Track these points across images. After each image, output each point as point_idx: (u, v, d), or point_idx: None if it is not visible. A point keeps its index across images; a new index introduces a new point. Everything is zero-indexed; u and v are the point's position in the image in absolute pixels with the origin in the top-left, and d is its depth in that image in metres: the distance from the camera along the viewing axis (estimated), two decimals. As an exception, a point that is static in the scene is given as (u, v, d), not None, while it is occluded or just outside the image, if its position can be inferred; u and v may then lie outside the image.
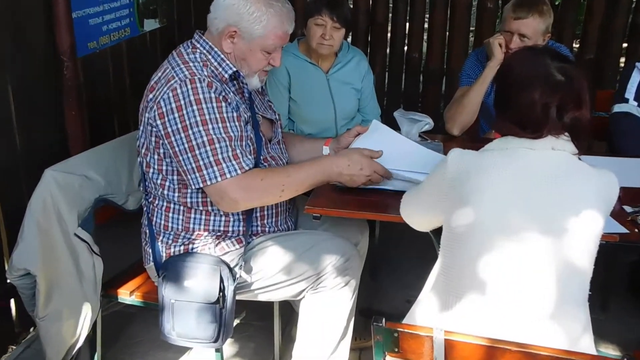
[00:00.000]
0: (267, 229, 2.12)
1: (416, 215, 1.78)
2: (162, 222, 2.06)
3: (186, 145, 1.87)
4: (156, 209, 2.08)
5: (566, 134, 1.55)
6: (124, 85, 3.37)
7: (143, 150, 2.03)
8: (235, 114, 1.94)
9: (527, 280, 1.48)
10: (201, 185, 1.89)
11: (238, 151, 1.90)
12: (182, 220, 2.04)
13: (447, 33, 4.53)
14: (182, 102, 1.87)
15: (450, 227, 1.58)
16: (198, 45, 2.03)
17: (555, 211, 1.48)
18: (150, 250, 2.10)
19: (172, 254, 2.05)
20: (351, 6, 4.48)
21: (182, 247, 2.05)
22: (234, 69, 2.02)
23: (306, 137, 2.52)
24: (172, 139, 1.89)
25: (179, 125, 1.87)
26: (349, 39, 4.60)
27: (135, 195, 2.35)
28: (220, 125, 1.89)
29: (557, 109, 1.52)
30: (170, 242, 2.06)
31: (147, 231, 2.10)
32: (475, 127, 3.00)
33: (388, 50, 4.69)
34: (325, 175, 2.00)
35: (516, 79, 1.56)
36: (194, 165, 1.88)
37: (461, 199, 1.53)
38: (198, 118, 1.87)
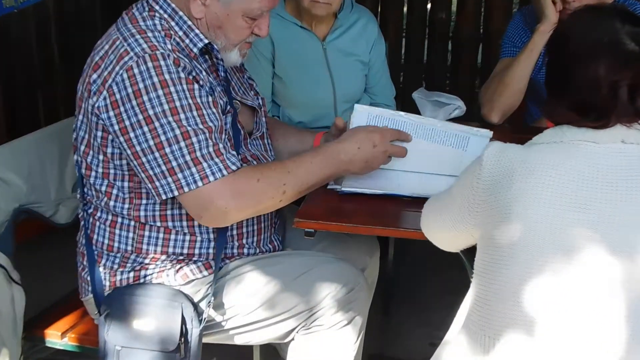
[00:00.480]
0: (245, 251, 2.14)
1: (442, 231, 1.79)
2: (106, 241, 2.08)
3: (151, 143, 1.87)
4: (98, 224, 2.09)
5: (641, 121, 1.58)
6: (52, 57, 3.39)
7: (82, 148, 2.04)
8: (210, 99, 1.95)
9: (589, 314, 1.50)
10: (175, 193, 1.89)
11: (221, 146, 1.91)
12: (133, 239, 2.06)
13: (485, -15, 4.56)
14: (142, 84, 1.87)
15: (487, 246, 1.60)
16: (157, 8, 2.03)
17: (628, 224, 1.50)
18: (88, 278, 2.11)
19: (117, 284, 2.07)
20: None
21: (131, 274, 2.06)
22: (206, 41, 2.03)
23: (292, 128, 2.53)
24: (131, 135, 1.89)
25: (140, 117, 1.87)
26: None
27: (68, 204, 2.37)
28: (195, 113, 1.89)
29: (629, 88, 1.54)
30: (115, 267, 2.08)
31: (85, 252, 2.12)
32: (521, 113, 3.02)
33: (405, 10, 4.72)
34: (333, 166, 2.02)
35: (574, 49, 1.58)
36: (164, 168, 1.87)
37: (501, 208, 1.55)
38: (166, 106, 1.87)
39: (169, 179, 1.87)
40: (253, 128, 2.22)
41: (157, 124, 1.86)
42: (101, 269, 2.09)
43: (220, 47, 2.06)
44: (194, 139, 1.87)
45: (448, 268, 2.44)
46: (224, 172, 1.88)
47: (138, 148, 1.89)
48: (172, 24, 2.01)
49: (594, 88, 1.54)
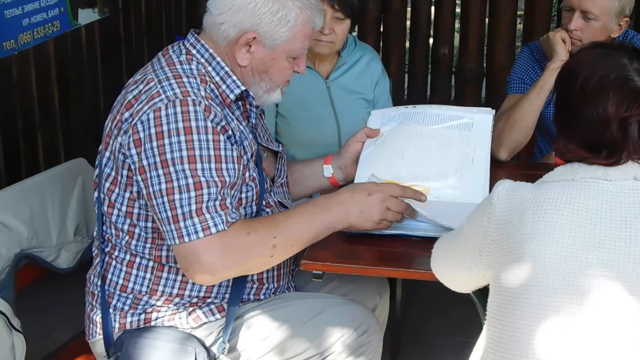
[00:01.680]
0: (262, 297, 2.14)
1: (453, 271, 1.79)
2: (120, 280, 2.07)
3: (163, 187, 1.87)
4: (114, 263, 2.08)
5: (653, 158, 1.59)
6: (52, 99, 3.41)
7: (107, 185, 2.04)
8: (235, 153, 1.95)
9: (607, 358, 1.50)
10: (177, 241, 1.86)
11: (228, 201, 1.90)
12: (150, 280, 2.05)
13: (487, 20, 4.61)
14: (166, 127, 1.89)
15: (499, 288, 1.60)
16: (194, 52, 2.05)
17: (644, 264, 1.51)
18: (97, 319, 2.10)
19: (127, 326, 2.06)
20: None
21: (142, 317, 2.06)
22: (242, 88, 2.05)
23: (296, 162, 2.54)
24: (147, 175, 1.89)
25: (157, 159, 1.88)
26: (356, 33, 4.68)
27: (70, 248, 2.37)
28: (213, 166, 1.89)
29: (639, 124, 1.56)
30: (126, 308, 2.07)
31: (96, 292, 2.11)
32: (530, 149, 3.04)
33: (407, 45, 4.77)
34: (326, 216, 1.99)
35: (582, 86, 1.60)
36: (169, 214, 1.87)
37: (513, 249, 1.56)
38: (185, 153, 1.88)
39: (173, 226, 1.87)
40: (275, 175, 2.24)
41: (172, 169, 1.87)
42: (110, 309, 2.08)
43: (264, 90, 2.09)
44: (205, 191, 1.86)
45: (458, 309, 2.44)
46: (224, 226, 1.86)
47: (151, 190, 1.89)
48: (209, 69, 2.04)
49: (603, 125, 1.56)
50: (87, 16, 3.61)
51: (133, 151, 1.92)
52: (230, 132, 1.97)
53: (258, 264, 1.96)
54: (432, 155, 2.30)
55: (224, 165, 1.91)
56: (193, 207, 1.85)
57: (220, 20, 2.01)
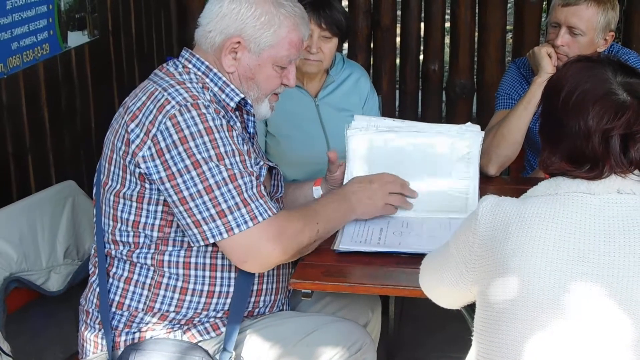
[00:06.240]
0: (258, 311, 2.15)
1: (440, 288, 1.79)
2: (117, 297, 2.08)
3: (200, 187, 1.92)
4: (111, 280, 2.09)
5: (637, 171, 1.60)
6: (42, 122, 3.41)
7: (113, 198, 2.05)
8: (245, 148, 2.03)
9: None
10: (225, 235, 1.93)
11: (262, 188, 1.98)
12: (147, 297, 2.06)
13: (477, 35, 4.63)
14: (187, 131, 1.93)
15: (486, 303, 1.60)
16: (190, 66, 2.11)
17: (630, 278, 1.51)
18: (92, 337, 2.10)
19: (121, 345, 2.05)
20: (346, 3, 4.60)
21: (136, 335, 2.06)
22: (241, 96, 2.11)
23: (288, 185, 2.56)
24: (179, 180, 1.93)
25: (187, 162, 1.92)
26: (344, 51, 4.70)
27: (60, 271, 2.37)
28: (238, 159, 1.97)
29: (621, 138, 1.56)
30: (121, 327, 2.07)
31: (91, 310, 2.11)
32: (520, 164, 3.05)
33: (397, 62, 4.78)
34: (347, 204, 2.16)
35: (566, 98, 1.61)
36: (213, 211, 1.92)
37: (499, 263, 1.57)
38: (212, 152, 1.94)
39: (218, 222, 1.93)
40: (272, 190, 2.27)
41: (205, 167, 1.92)
42: (104, 328, 2.07)
43: (253, 98, 2.13)
44: (241, 181, 1.94)
45: (451, 325, 2.44)
46: (269, 212, 1.95)
47: (186, 193, 1.93)
48: (207, 80, 2.09)
49: (585, 138, 1.57)
50: (76, 39, 3.62)
51: (157, 161, 1.95)
52: (237, 131, 2.03)
53: (305, 245, 2.05)
54: (421, 177, 2.33)
55: (245, 157, 1.99)
56: (237, 199, 1.93)
57: (209, 29, 2.09)
